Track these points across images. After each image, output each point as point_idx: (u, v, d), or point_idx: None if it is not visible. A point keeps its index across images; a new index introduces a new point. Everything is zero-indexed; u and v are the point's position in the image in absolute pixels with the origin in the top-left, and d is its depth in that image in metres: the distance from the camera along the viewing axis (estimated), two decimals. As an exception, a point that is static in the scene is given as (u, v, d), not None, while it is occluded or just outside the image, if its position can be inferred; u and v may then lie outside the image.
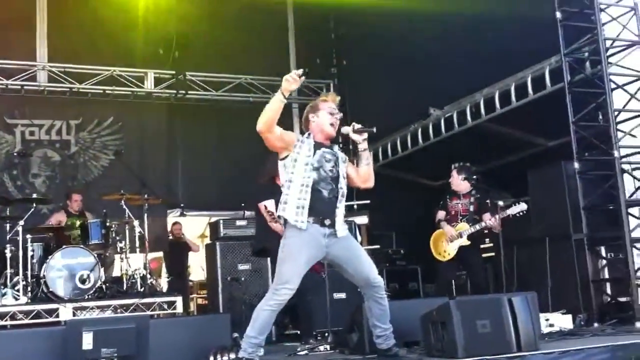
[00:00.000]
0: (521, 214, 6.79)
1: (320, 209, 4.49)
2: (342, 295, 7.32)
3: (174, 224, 10.33)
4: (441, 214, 7.23)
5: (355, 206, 9.84)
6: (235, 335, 5.77)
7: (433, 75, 9.01)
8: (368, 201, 9.93)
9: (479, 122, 8.73)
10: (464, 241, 6.98)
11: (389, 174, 10.32)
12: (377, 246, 9.56)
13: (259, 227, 6.39)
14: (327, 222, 4.49)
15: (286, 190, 4.51)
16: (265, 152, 4.79)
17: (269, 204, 5.99)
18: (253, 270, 7.70)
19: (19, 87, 9.84)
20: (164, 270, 9.94)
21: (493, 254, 7.88)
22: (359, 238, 8.84)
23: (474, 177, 7.25)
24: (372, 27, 10.11)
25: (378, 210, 9.67)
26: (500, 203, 7.08)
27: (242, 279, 7.56)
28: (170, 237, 10.22)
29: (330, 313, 6.06)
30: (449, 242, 7.04)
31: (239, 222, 7.98)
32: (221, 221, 7.87)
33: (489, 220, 6.91)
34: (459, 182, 7.19)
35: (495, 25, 7.85)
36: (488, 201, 7.12)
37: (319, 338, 6.27)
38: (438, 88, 9.18)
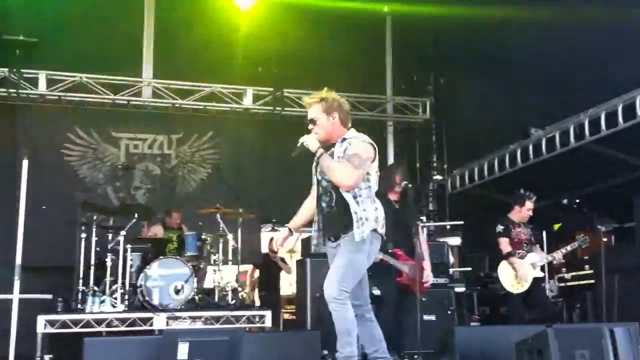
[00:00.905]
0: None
1: (325, 224, 4.49)
2: (432, 318, 7.16)
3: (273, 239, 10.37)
4: (506, 242, 6.93)
5: (448, 227, 9.64)
6: (325, 352, 5.76)
7: (534, 95, 8.75)
8: (461, 222, 9.72)
9: (583, 144, 8.37)
10: (538, 273, 6.86)
11: (484, 195, 10.07)
12: (469, 268, 9.31)
13: None
14: (332, 238, 4.47)
15: None
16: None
17: None
18: (343, 288, 7.61)
19: (125, 102, 10.25)
20: (256, 283, 10.05)
21: (593, 281, 7.51)
22: (452, 260, 8.65)
23: None
24: (471, 44, 9.93)
25: (471, 232, 9.44)
26: (603, 228, 6.79)
27: (332, 296, 7.48)
28: (267, 252, 10.27)
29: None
30: (526, 271, 6.80)
31: (331, 240, 7.92)
32: (313, 237, 7.85)
33: (555, 253, 6.92)
34: (528, 214, 7.01)
35: (602, 44, 7.53)
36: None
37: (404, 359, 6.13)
38: (540, 107, 8.91)
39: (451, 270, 8.45)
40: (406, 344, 6.18)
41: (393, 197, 6.12)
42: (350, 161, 4.30)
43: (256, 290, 9.70)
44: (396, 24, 11.52)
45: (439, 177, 11.09)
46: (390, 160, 11.10)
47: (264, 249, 10.35)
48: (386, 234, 4.57)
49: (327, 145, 4.49)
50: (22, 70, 9.65)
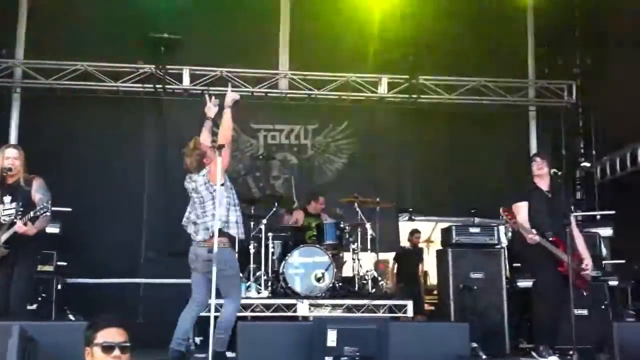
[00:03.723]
0: None
1: None
2: (585, 312, 6.81)
3: (415, 232, 10.34)
4: None
5: (598, 217, 9.10)
6: (474, 345, 5.60)
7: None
8: (612, 212, 9.14)
9: None
10: None
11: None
12: (623, 260, 8.72)
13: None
14: None
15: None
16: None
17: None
18: (486, 279, 7.39)
19: (263, 94, 10.47)
20: (394, 274, 10.03)
21: None
22: (604, 251, 8.16)
23: None
24: (624, 21, 9.25)
25: (624, 222, 8.82)
26: None
27: (475, 287, 7.30)
28: (407, 245, 10.26)
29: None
30: None
31: (472, 229, 7.70)
32: (453, 227, 7.66)
33: None
34: None
35: None
36: None
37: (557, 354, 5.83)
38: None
39: (604, 262, 7.97)
40: (559, 339, 5.89)
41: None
42: None
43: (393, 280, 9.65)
44: (539, 4, 10.91)
45: (587, 165, 10.40)
46: (533, 146, 10.66)
47: (403, 238, 10.29)
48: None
49: None
50: (167, 67, 10.04)
